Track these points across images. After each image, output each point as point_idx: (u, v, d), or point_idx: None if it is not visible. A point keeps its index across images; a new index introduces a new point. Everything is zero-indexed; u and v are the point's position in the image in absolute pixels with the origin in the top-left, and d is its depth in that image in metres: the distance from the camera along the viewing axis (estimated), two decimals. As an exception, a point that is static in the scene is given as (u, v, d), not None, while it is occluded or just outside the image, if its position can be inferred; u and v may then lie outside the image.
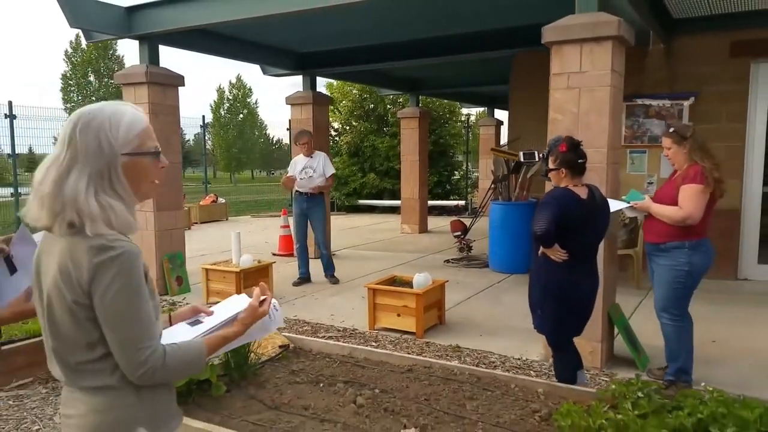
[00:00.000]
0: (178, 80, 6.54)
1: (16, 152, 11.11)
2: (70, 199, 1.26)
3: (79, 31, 6.63)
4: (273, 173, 65.09)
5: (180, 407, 3.08)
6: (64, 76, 38.49)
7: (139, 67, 6.34)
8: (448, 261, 8.25)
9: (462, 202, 16.19)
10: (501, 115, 16.00)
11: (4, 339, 4.02)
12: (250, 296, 1.58)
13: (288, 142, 12.46)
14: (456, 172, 18.70)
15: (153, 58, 6.40)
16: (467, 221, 9.29)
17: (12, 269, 1.91)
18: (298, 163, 6.78)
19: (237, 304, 1.60)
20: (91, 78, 38.66)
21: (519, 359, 4.32)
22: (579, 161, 3.15)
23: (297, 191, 6.75)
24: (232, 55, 7.78)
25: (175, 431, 1.45)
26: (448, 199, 17.17)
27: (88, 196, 1.26)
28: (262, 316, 1.53)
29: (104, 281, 1.24)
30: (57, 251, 1.29)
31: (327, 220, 7.15)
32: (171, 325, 1.57)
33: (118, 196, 1.31)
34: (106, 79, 37.96)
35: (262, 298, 1.55)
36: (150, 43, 6.36)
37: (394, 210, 15.05)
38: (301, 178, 6.65)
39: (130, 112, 1.35)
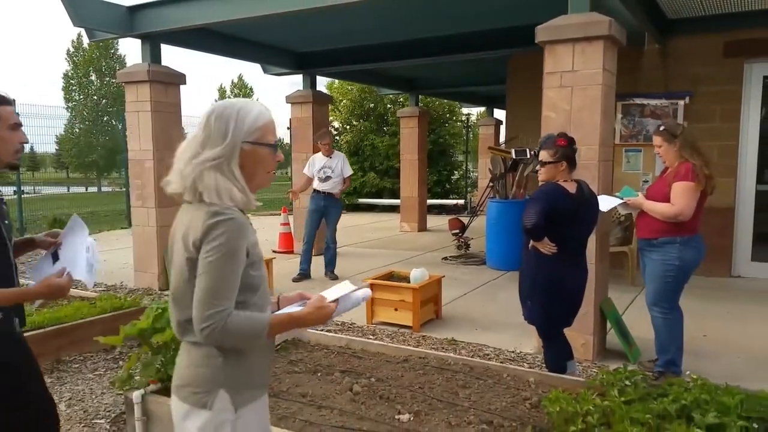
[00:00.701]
0: (179, 78, 6.63)
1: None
2: (197, 173, 1.48)
3: (82, 30, 6.74)
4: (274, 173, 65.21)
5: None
6: (65, 76, 38.58)
7: (141, 66, 6.43)
8: (446, 258, 8.35)
9: (461, 201, 16.29)
10: (501, 114, 16.09)
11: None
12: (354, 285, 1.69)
13: (288, 141, 12.55)
14: (456, 172, 18.80)
15: (155, 56, 6.50)
16: (465, 219, 9.39)
17: (55, 259, 2.07)
18: (316, 161, 6.93)
19: (339, 289, 1.69)
20: (93, 77, 38.74)
21: (513, 352, 4.41)
22: (575, 155, 3.26)
23: (315, 189, 6.90)
24: (233, 54, 7.87)
25: (255, 402, 1.55)
26: (447, 198, 17.26)
27: (210, 172, 1.48)
28: (325, 312, 1.58)
29: (209, 239, 1.42)
30: (185, 218, 1.51)
31: None
32: (279, 307, 1.67)
33: (233, 176, 1.50)
34: (107, 78, 38.02)
35: (335, 298, 1.64)
36: (152, 42, 6.46)
37: (393, 209, 15.14)
38: (318, 177, 6.80)
39: (258, 109, 1.55)
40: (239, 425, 1.50)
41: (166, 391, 3.08)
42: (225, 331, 1.40)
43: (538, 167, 3.32)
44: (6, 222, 1.99)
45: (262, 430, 1.62)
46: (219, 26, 6.59)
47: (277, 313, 1.54)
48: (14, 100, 10.67)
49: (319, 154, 6.94)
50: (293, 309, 1.58)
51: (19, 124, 1.99)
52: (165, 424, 2.97)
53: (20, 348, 2.09)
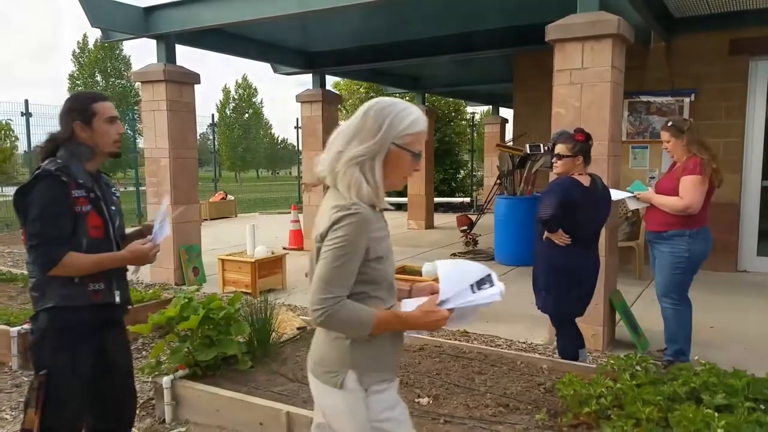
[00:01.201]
0: (194, 78, 6.76)
1: (32, 149, 11.39)
2: (341, 164, 1.55)
3: (86, 31, 6.90)
4: (278, 173, 65.41)
5: (211, 380, 3.27)
6: (71, 76, 38.77)
7: (156, 66, 6.56)
8: (454, 254, 8.44)
9: (467, 200, 16.38)
10: (506, 113, 16.20)
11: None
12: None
13: (296, 140, 12.68)
14: (461, 170, 18.91)
15: (170, 56, 6.63)
16: (473, 217, 9.49)
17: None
18: None
19: (463, 276, 1.66)
20: (98, 78, 38.95)
21: (524, 343, 4.52)
22: (590, 150, 3.37)
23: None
24: (245, 54, 8.01)
25: (383, 383, 1.61)
26: (453, 196, 17.37)
27: (352, 165, 1.54)
28: (434, 319, 1.56)
29: (333, 230, 1.50)
30: (322, 209, 1.59)
31: None
32: (410, 295, 1.73)
33: (372, 173, 1.55)
34: (113, 79, 38.25)
35: (442, 299, 1.61)
36: (167, 42, 6.59)
37: (399, 207, 15.25)
38: None
39: (417, 114, 1.59)
40: (371, 402, 1.58)
41: (194, 377, 3.21)
42: (333, 317, 1.48)
43: (553, 160, 3.41)
44: (113, 208, 2.21)
45: (398, 411, 1.65)
46: (232, 27, 6.72)
47: (385, 310, 1.57)
48: (27, 100, 10.86)
49: None
50: (408, 307, 1.61)
51: (116, 117, 2.15)
52: (194, 408, 3.09)
53: (114, 321, 2.24)
